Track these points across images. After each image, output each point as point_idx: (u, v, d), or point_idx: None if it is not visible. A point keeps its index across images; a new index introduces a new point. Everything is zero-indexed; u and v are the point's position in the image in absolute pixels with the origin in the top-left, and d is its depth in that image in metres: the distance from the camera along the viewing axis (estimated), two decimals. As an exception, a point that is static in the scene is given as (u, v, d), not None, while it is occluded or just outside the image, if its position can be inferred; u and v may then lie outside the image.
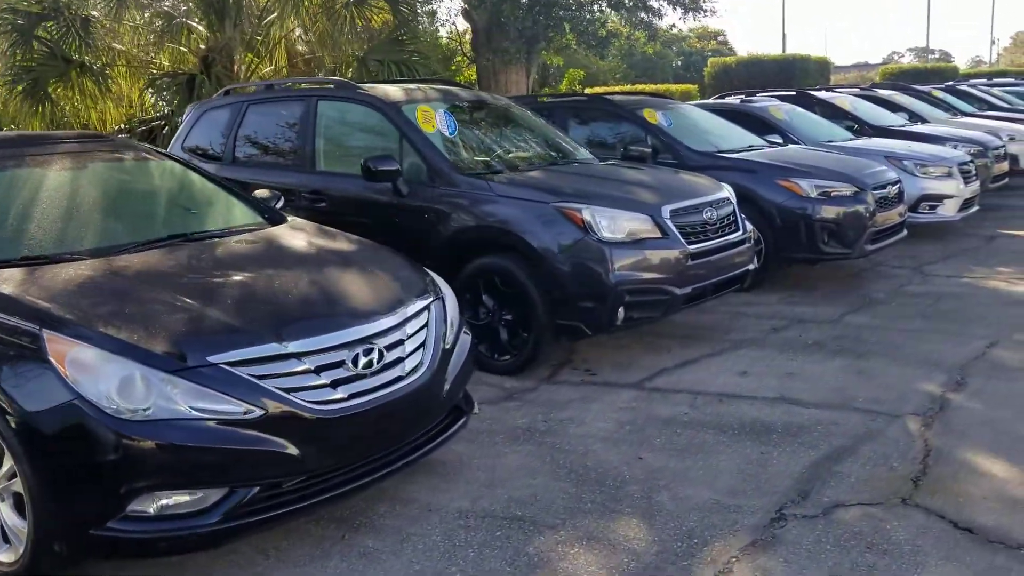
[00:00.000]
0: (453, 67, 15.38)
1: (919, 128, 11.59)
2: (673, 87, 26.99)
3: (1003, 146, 11.77)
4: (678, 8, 13.16)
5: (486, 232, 5.19)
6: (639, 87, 26.92)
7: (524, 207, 5.09)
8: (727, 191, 5.82)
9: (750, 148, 7.93)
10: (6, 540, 2.99)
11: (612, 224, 4.98)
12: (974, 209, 9.54)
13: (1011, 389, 4.61)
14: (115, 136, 5.81)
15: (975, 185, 9.52)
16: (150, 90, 10.58)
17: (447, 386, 3.55)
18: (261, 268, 3.62)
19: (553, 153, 6.28)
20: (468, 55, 14.67)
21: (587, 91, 22.19)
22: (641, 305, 5.04)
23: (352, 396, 3.14)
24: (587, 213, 4.95)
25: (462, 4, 12.05)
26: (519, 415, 4.53)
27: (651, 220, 5.11)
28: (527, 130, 6.58)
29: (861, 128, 10.94)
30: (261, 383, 2.97)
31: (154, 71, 11.75)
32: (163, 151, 4.91)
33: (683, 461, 3.89)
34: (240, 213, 4.38)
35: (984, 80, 24.66)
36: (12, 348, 2.90)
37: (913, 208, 8.79)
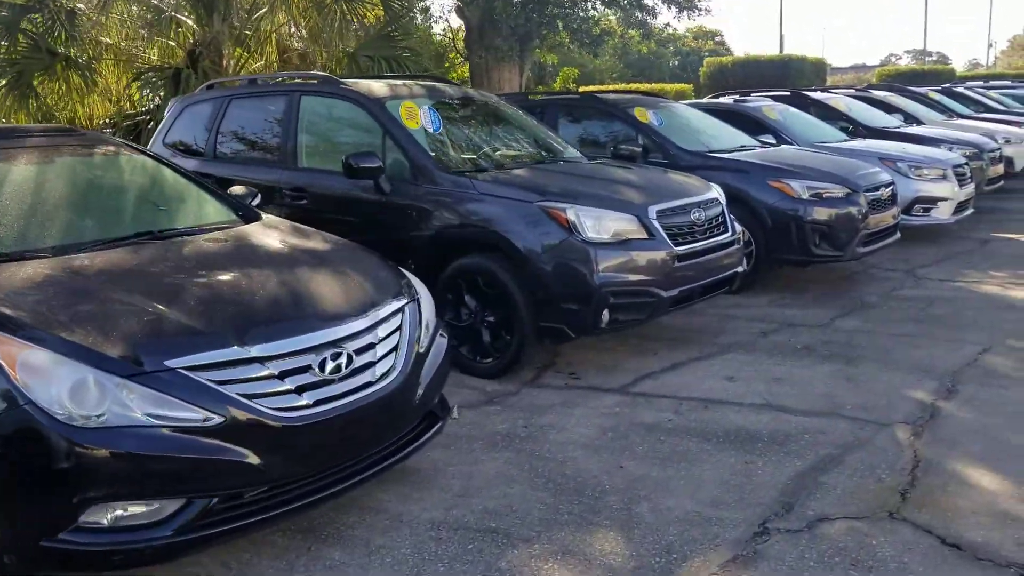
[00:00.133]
0: (447, 64, 15.27)
1: (914, 130, 11.50)
2: (668, 87, 26.90)
3: (998, 149, 11.68)
4: (672, 7, 13.05)
5: (469, 231, 5.07)
6: (633, 86, 26.80)
7: (508, 206, 4.97)
8: (716, 191, 5.71)
9: (742, 148, 7.82)
10: (-47, 551, 2.86)
11: (597, 224, 4.86)
12: (969, 212, 9.44)
13: (1003, 397, 4.50)
14: (85, 130, 5.67)
15: (970, 188, 9.42)
16: (137, 84, 10.41)
17: (421, 391, 3.43)
18: (228, 268, 3.49)
19: (540, 151, 6.17)
20: (461, 52, 14.52)
21: (581, 89, 22.10)
22: (626, 307, 4.92)
23: (318, 402, 3.02)
24: (572, 213, 4.83)
25: (455, 1, 11.96)
26: (499, 420, 4.41)
27: (637, 220, 4.99)
28: (514, 128, 6.45)
29: (855, 129, 10.84)
30: (221, 389, 2.85)
31: (142, 65, 11.61)
32: (135, 146, 4.77)
33: (665, 470, 3.77)
34: (212, 210, 4.26)
35: (980, 82, 24.59)
36: (-39, 350, 2.77)
37: (907, 210, 8.70)
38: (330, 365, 3.08)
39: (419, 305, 3.63)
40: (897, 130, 11.21)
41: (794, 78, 24.94)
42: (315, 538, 3.27)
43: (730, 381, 4.93)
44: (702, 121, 8.42)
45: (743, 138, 8.23)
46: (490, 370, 5.04)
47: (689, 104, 9.85)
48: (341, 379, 3.11)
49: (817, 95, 12.06)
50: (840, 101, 11.76)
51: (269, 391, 2.93)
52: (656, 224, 5.02)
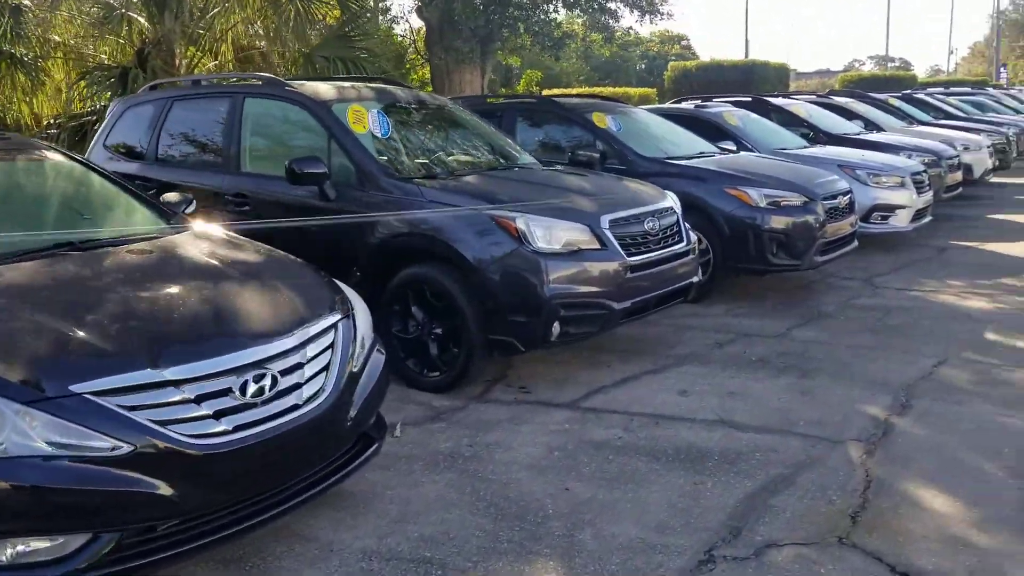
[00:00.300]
0: (407, 65, 15.06)
1: (874, 136, 11.52)
2: (632, 91, 26.90)
3: (957, 156, 11.74)
4: (635, 11, 12.96)
5: (415, 240, 4.90)
6: (597, 90, 26.76)
7: (455, 214, 4.81)
8: (671, 200, 5.59)
9: (701, 155, 7.72)
10: None
11: (548, 234, 4.72)
12: (927, 219, 9.44)
13: (957, 413, 4.43)
14: (9, 133, 5.42)
15: (928, 195, 9.43)
16: (83, 83, 10.09)
17: (353, 413, 3.26)
18: (148, 283, 3.29)
19: (493, 157, 6.01)
20: (422, 53, 14.33)
21: (545, 92, 22.00)
22: (577, 320, 4.78)
23: (238, 428, 2.84)
24: (521, 222, 4.68)
25: (415, 1, 11.76)
26: (443, 438, 4.25)
27: (589, 230, 4.85)
28: (468, 133, 6.30)
29: (816, 136, 10.83)
30: (131, 415, 2.66)
31: (91, 64, 11.28)
32: (63, 151, 4.55)
33: (612, 492, 3.63)
34: (141, 219, 4.05)
35: (941, 89, 24.88)
36: None
37: (865, 218, 8.67)
38: (252, 388, 2.90)
39: (354, 321, 3.46)
40: (857, 137, 11.23)
41: (757, 83, 25.05)
42: (240, 569, 3.08)
43: (683, 395, 4.81)
44: (661, 127, 8.32)
45: (702, 144, 8.14)
46: (437, 384, 4.87)
47: (649, 109, 9.76)
48: (264, 402, 2.93)
49: (778, 101, 12.05)
50: (801, 107, 11.74)
51: (184, 417, 2.75)
52: (608, 234, 4.89)
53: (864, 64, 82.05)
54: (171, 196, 4.46)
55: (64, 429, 2.57)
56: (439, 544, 3.23)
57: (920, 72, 67.04)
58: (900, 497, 3.53)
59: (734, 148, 8.50)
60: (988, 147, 13.73)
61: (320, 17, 12.63)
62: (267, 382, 2.95)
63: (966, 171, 12.36)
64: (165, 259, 3.57)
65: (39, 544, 2.59)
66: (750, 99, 12.11)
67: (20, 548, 2.57)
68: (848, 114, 12.85)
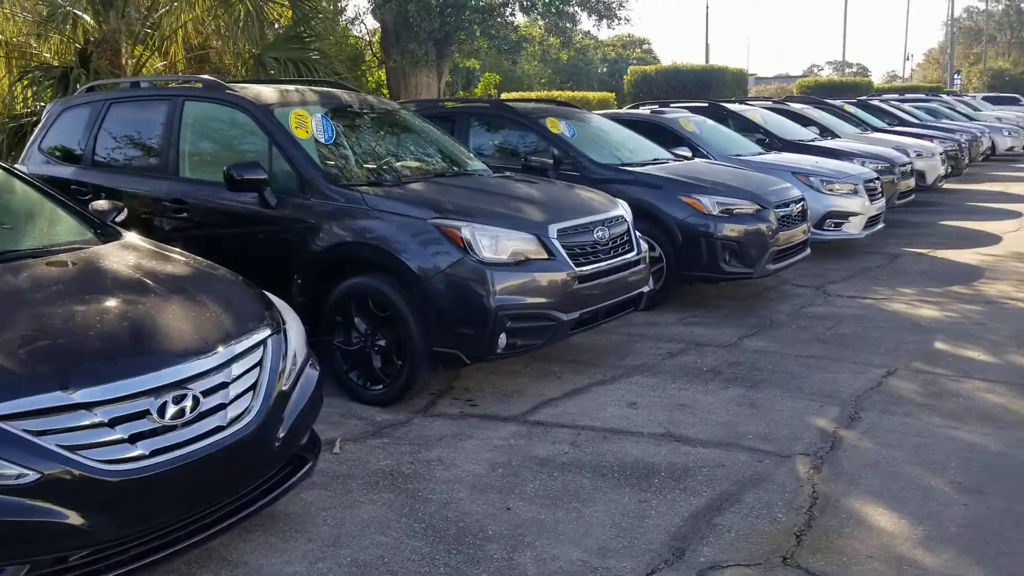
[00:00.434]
0: (364, 67, 14.86)
1: (828, 143, 11.59)
2: (591, 95, 26.91)
3: (910, 162, 11.85)
4: (593, 15, 12.93)
5: (358, 249, 4.76)
6: (556, 94, 26.75)
7: (399, 223, 4.68)
8: (622, 208, 5.51)
9: (655, 161, 7.67)
10: None
11: (494, 244, 4.61)
12: (880, 226, 9.50)
13: (904, 425, 4.40)
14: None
15: (881, 202, 9.49)
16: (22, 84, 9.75)
17: (283, 433, 3.12)
18: (66, 298, 3.12)
19: (442, 163, 5.89)
20: (378, 56, 14.15)
21: (504, 96, 21.88)
22: (524, 332, 4.68)
23: (156, 452, 2.69)
24: (467, 231, 4.57)
25: (368, 2, 11.57)
26: (383, 455, 4.11)
27: (537, 240, 4.75)
28: (417, 138, 6.17)
29: (771, 142, 10.86)
30: (39, 440, 2.51)
31: (32, 63, 10.93)
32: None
33: (554, 512, 3.53)
34: (65, 229, 3.87)
35: (896, 95, 25.26)
36: None
37: (819, 225, 8.70)
38: (171, 410, 2.76)
39: (285, 336, 3.32)
40: (812, 143, 11.28)
41: (716, 88, 25.20)
42: (159, 600, 2.93)
43: (632, 408, 4.73)
44: (616, 133, 8.27)
45: (657, 151, 8.09)
46: (380, 398, 4.74)
47: (605, 115, 9.69)
48: (185, 425, 2.78)
49: (734, 107, 12.07)
50: (757, 113, 11.78)
51: (96, 441, 2.60)
52: (556, 243, 4.79)
53: (823, 69, 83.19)
54: (100, 204, 4.27)
55: (-36, 457, 2.41)
56: (372, 569, 3.10)
57: (877, 78, 68.29)
58: (846, 515, 3.47)
59: (689, 154, 8.46)
60: (941, 154, 13.91)
61: (276, 17, 12.41)
62: (188, 403, 2.80)
63: (919, 178, 12.50)
64: (86, 272, 3.39)
65: (-63, 579, 2.43)
66: (706, 105, 12.13)
67: (-84, 583, 2.41)
68: (804, 120, 12.92)
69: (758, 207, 6.85)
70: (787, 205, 7.20)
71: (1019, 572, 3.06)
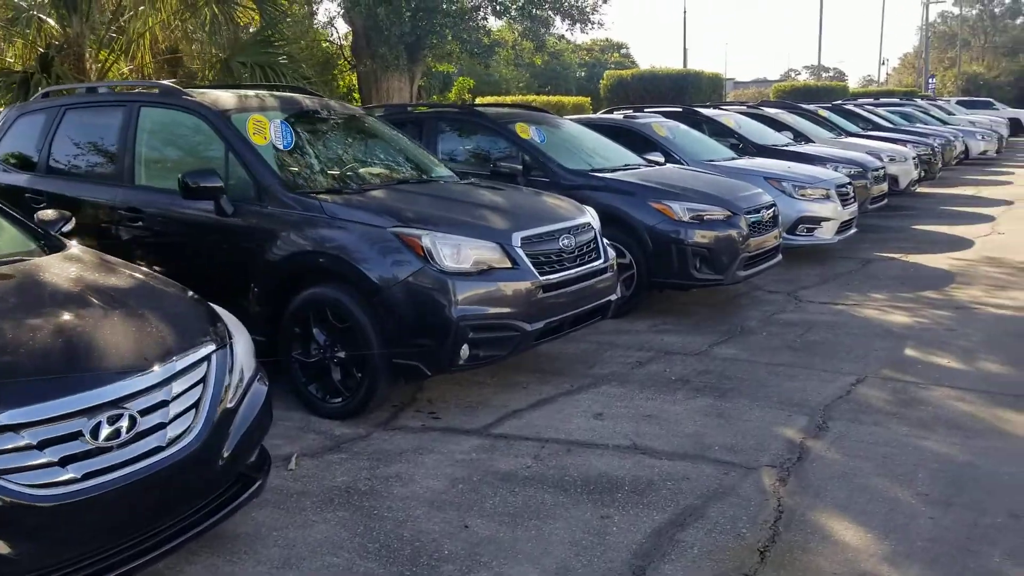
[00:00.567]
0: (336, 71, 14.71)
1: (801, 148, 11.58)
2: (566, 99, 26.88)
3: (883, 167, 11.86)
4: (566, 20, 12.86)
5: (316, 259, 4.64)
6: (531, 98, 26.70)
7: (358, 231, 4.57)
8: (589, 216, 5.42)
9: (626, 167, 7.59)
10: None
11: (456, 253, 4.50)
12: (852, 231, 9.48)
13: (872, 435, 4.33)
14: None
15: (853, 207, 9.47)
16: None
17: (228, 452, 3.00)
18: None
19: (406, 170, 5.78)
20: (349, 60, 14.00)
21: (478, 101, 21.81)
22: (487, 342, 4.57)
23: (89, 475, 2.57)
24: (427, 240, 4.46)
25: (338, 6, 11.45)
26: (340, 471, 3.99)
27: (500, 248, 4.65)
28: (381, 143, 6.06)
29: (745, 147, 10.83)
30: (-41, 465, 2.38)
31: (9, 68, 10.72)
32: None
33: (513, 530, 3.43)
34: (6, 240, 3.72)
35: (871, 100, 25.39)
36: None
37: (791, 230, 8.66)
38: (106, 430, 2.63)
39: (231, 351, 3.19)
40: (785, 148, 11.27)
41: (691, 92, 25.22)
42: (95, 629, 2.79)
43: (598, 419, 4.64)
44: (588, 138, 8.19)
45: (628, 156, 8.02)
46: (340, 411, 4.62)
47: (577, 120, 9.63)
48: (120, 446, 2.66)
49: (708, 112, 12.04)
50: (730, 118, 11.74)
51: (23, 465, 2.48)
52: (520, 252, 4.69)
53: (800, 74, 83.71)
54: (47, 213, 4.14)
55: None
56: (321, 594, 2.99)
57: (853, 82, 68.74)
58: (811, 529, 3.40)
59: (661, 160, 8.40)
60: (914, 158, 13.95)
61: (247, 22, 12.27)
62: (124, 423, 2.68)
63: (892, 182, 12.52)
64: (23, 285, 3.25)
65: None
66: (681, 109, 12.10)
67: None
68: (778, 125, 12.93)
69: (729, 213, 6.79)
70: (758, 211, 7.14)
71: (985, 588, 3.00)
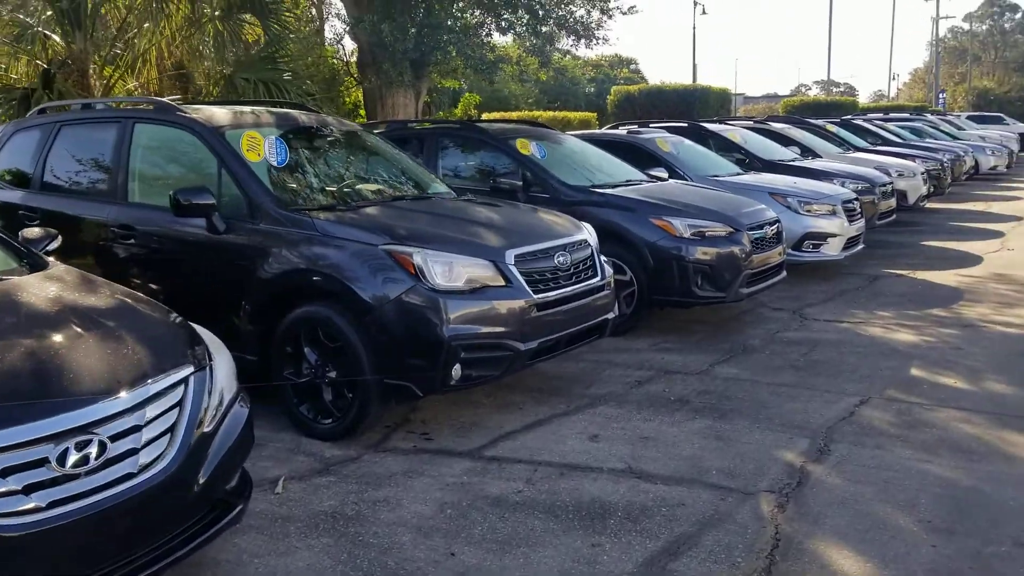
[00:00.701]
0: (342, 88, 14.71)
1: (807, 163, 11.48)
2: (572, 115, 26.83)
3: (891, 182, 11.75)
4: (571, 35, 12.82)
5: (307, 276, 4.56)
6: (536, 114, 26.69)
7: (350, 249, 4.49)
8: (586, 232, 5.33)
9: (628, 183, 7.51)
10: None
11: (448, 271, 4.42)
12: (859, 247, 9.36)
13: (875, 459, 4.21)
14: None
15: (860, 223, 9.35)
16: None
17: (204, 479, 2.91)
18: (-31, 334, 2.91)
19: (402, 186, 5.71)
20: (356, 76, 14.00)
21: (484, 116, 21.80)
22: (479, 362, 4.48)
23: (54, 504, 2.48)
24: (419, 258, 4.38)
25: (344, 24, 11.46)
26: (328, 495, 3.90)
27: (493, 266, 4.57)
28: (378, 160, 6.00)
29: (751, 162, 10.73)
30: (-82, 494, 2.30)
31: (10, 84, 10.75)
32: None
33: (501, 558, 3.33)
34: (-14, 258, 3.66)
35: (880, 114, 25.27)
36: None
37: (797, 247, 8.56)
38: (74, 457, 2.55)
39: (210, 373, 3.11)
40: (791, 163, 11.17)
41: (699, 108, 25.15)
42: (64, 662, 2.70)
43: (594, 441, 4.53)
44: (589, 154, 8.12)
45: (631, 172, 7.94)
46: (331, 432, 4.54)
47: (580, 136, 9.57)
48: (89, 473, 2.58)
49: (714, 127, 11.97)
50: (736, 133, 11.66)
51: (-17, 494, 2.39)
52: (514, 270, 4.61)
53: (811, 89, 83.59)
54: (32, 232, 4.08)
55: None
56: (298, 625, 2.90)
57: (864, 97, 68.71)
58: (808, 558, 3.28)
59: (665, 175, 8.30)
60: (923, 173, 13.83)
61: (254, 39, 12.27)
62: (93, 449, 2.60)
63: (900, 197, 12.41)
64: (1, 305, 3.18)
65: None
66: (686, 125, 12.02)
67: None
68: (785, 140, 12.83)
69: (731, 229, 6.70)
70: (761, 227, 7.04)
71: (989, 622, 2.88)
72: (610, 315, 5.26)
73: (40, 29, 10.71)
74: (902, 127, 20.53)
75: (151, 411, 2.80)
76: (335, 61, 15.19)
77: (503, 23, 12.38)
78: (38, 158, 5.88)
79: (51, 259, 3.79)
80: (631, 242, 6.62)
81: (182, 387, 2.96)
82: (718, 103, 27.89)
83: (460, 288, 4.44)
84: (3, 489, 2.42)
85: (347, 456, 4.36)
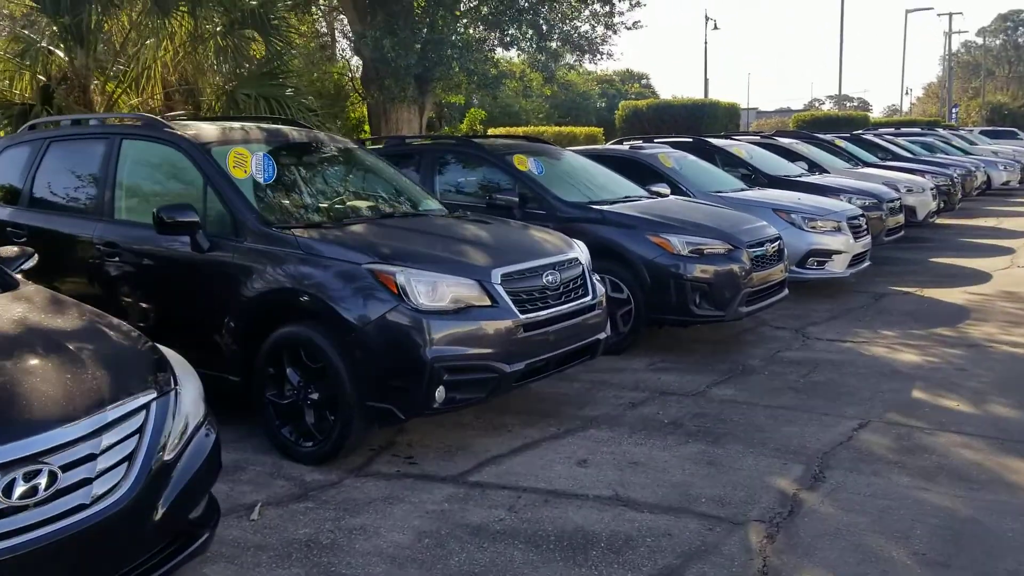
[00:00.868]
0: (348, 103, 14.70)
1: (814, 179, 11.34)
2: (578, 130, 26.75)
3: (898, 198, 11.59)
4: (576, 51, 12.75)
5: (289, 296, 4.47)
6: (541, 129, 26.63)
7: (332, 268, 4.40)
8: (577, 250, 5.22)
9: (626, 199, 7.40)
10: None
11: (431, 290, 4.32)
12: (865, 264, 9.21)
13: (871, 486, 4.07)
14: None
15: (866, 240, 9.21)
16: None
17: (164, 509, 2.81)
18: (-77, 358, 2.83)
19: (392, 203, 5.64)
20: (360, 92, 13.98)
21: (489, 131, 21.76)
22: (464, 384, 4.37)
23: (0, 537, 2.39)
24: (402, 277, 4.28)
25: (348, 39, 11.43)
26: (304, 522, 3.80)
27: (478, 286, 4.46)
28: (370, 176, 5.93)
29: (756, 177, 10.60)
30: None
31: (7, 100, 10.76)
32: None
33: (476, 590, 3.21)
34: (-44, 278, 3.58)
35: (892, 129, 25.08)
36: None
37: (801, 264, 8.43)
38: (21, 487, 2.45)
39: (175, 398, 3.02)
40: (797, 179, 11.03)
41: (707, 122, 25.02)
42: None
43: (582, 466, 4.41)
44: (589, 170, 8.02)
45: (630, 188, 7.83)
46: (313, 455, 4.43)
47: (581, 151, 9.47)
48: (37, 504, 2.48)
49: (719, 142, 11.84)
50: (742, 149, 11.53)
51: (-75, 527, 2.30)
52: (500, 289, 4.50)
53: (823, 103, 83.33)
54: (6, 250, 4.01)
55: None
56: (259, 663, 2.78)
57: (877, 111, 68.46)
58: (796, 594, 3.15)
59: (667, 191, 8.18)
60: (932, 189, 13.66)
61: (260, 55, 12.26)
62: (43, 480, 2.50)
63: (909, 213, 12.24)
64: (-40, 327, 3.10)
65: None
66: (691, 140, 11.90)
67: None
68: (792, 155, 12.69)
69: (730, 247, 6.57)
70: (762, 244, 6.91)
71: (983, 665, 2.73)
72: (602, 335, 5.15)
73: (44, 45, 10.73)
74: (913, 142, 20.35)
75: (108, 439, 2.70)
76: (342, 77, 15.17)
77: (507, 38, 12.33)
78: (27, 174, 5.83)
79: (20, 278, 3.71)
80: (628, 259, 6.52)
81: (143, 413, 2.86)
82: (727, 118, 27.75)
83: (444, 308, 4.34)
84: (-57, 522, 2.32)
85: (327, 481, 4.26)
